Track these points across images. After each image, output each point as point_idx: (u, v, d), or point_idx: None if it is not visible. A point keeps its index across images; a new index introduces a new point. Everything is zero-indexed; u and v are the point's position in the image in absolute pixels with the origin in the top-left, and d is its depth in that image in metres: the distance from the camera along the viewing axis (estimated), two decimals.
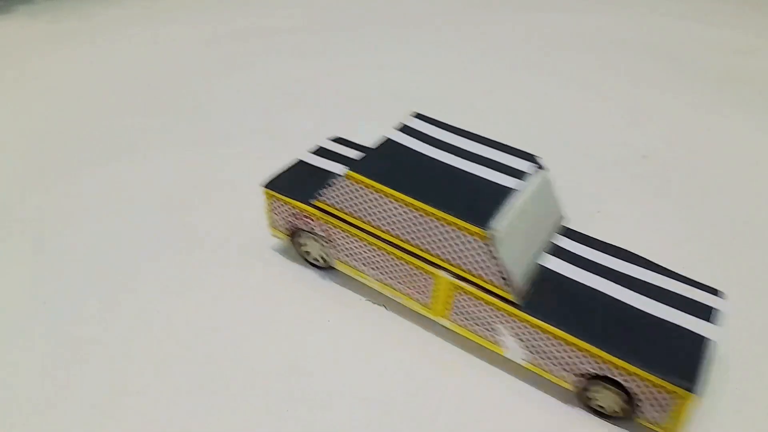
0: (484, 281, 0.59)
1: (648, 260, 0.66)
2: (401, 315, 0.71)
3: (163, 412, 0.60)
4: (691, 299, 0.61)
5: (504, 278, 0.58)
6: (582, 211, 0.91)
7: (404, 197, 0.61)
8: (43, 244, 0.81)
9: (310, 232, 0.71)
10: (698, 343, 0.57)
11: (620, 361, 0.55)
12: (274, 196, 0.72)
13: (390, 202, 0.61)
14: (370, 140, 0.91)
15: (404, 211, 0.61)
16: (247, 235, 0.83)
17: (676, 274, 0.64)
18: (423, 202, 0.59)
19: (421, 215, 0.60)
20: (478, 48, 1.45)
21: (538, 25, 1.60)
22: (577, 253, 0.66)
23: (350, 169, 0.64)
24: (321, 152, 0.80)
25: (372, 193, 0.63)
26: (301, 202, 0.70)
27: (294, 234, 0.73)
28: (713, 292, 0.63)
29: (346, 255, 0.69)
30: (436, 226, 0.59)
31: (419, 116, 0.74)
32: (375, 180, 0.62)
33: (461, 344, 0.68)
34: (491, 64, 1.37)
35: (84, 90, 1.18)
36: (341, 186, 0.65)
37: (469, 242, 0.58)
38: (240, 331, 0.70)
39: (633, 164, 1.04)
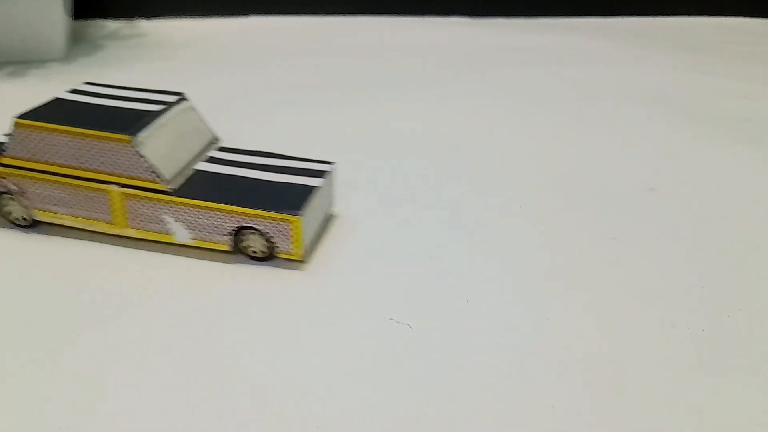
0: (141, 180, 0.72)
1: (275, 153, 0.87)
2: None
3: None
4: (306, 168, 0.84)
5: (153, 172, 0.72)
6: (599, 237, 0.93)
7: (64, 128, 0.70)
8: None
9: (6, 192, 0.76)
10: (306, 190, 0.78)
11: (248, 209, 0.74)
12: None
13: (56, 136, 0.71)
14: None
15: (68, 141, 0.71)
16: None
17: (298, 158, 0.86)
18: (79, 127, 0.71)
19: (80, 140, 0.70)
20: (492, 98, 1.51)
21: (550, 79, 1.67)
22: (222, 158, 0.84)
23: (18, 117, 0.72)
24: None
25: (40, 133, 0.71)
26: None
27: None
28: (327, 162, 0.86)
29: (39, 202, 0.76)
30: (95, 146, 0.70)
31: (90, 83, 0.87)
32: (40, 121, 0.71)
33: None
34: (508, 112, 1.43)
35: None
36: (15, 136, 0.72)
37: (121, 150, 0.70)
38: None
39: (641, 195, 1.07)
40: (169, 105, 0.81)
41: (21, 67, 1.61)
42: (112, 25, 2.09)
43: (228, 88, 1.52)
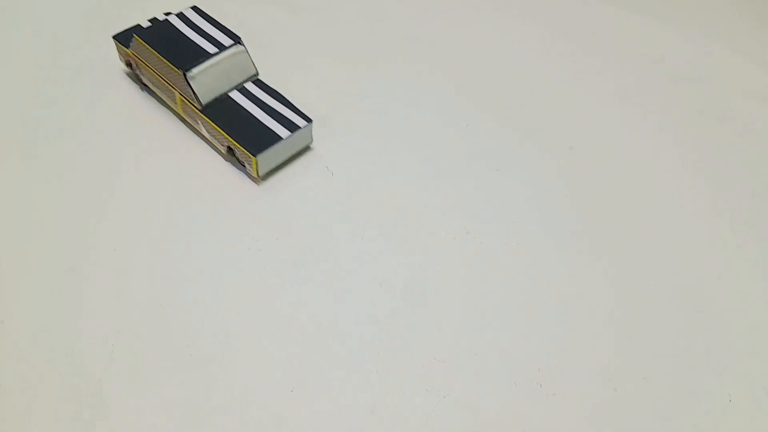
0: (188, 97, 1.07)
1: (281, 96, 1.09)
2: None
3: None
4: (288, 118, 1.06)
5: (194, 97, 1.06)
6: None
7: (157, 53, 1.07)
8: None
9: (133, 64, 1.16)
10: (276, 137, 1.03)
11: (231, 138, 1.03)
12: (117, 44, 1.16)
13: (155, 56, 1.07)
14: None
15: (160, 61, 1.07)
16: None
17: (293, 107, 1.08)
18: (166, 57, 1.05)
19: (165, 64, 1.06)
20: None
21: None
22: (247, 89, 1.10)
23: (136, 34, 1.09)
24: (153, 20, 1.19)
25: (145, 47, 1.08)
26: (127, 48, 1.13)
27: (130, 65, 1.18)
28: (307, 119, 1.07)
29: (147, 80, 1.14)
30: (170, 68, 1.06)
31: (195, 8, 1.14)
32: (147, 43, 1.08)
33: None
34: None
35: None
36: (136, 44, 1.09)
37: (180, 77, 1.05)
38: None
39: (561, 154, 1.13)
40: (223, 48, 1.07)
41: None
42: None
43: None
